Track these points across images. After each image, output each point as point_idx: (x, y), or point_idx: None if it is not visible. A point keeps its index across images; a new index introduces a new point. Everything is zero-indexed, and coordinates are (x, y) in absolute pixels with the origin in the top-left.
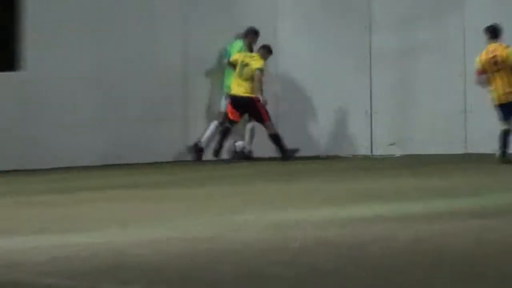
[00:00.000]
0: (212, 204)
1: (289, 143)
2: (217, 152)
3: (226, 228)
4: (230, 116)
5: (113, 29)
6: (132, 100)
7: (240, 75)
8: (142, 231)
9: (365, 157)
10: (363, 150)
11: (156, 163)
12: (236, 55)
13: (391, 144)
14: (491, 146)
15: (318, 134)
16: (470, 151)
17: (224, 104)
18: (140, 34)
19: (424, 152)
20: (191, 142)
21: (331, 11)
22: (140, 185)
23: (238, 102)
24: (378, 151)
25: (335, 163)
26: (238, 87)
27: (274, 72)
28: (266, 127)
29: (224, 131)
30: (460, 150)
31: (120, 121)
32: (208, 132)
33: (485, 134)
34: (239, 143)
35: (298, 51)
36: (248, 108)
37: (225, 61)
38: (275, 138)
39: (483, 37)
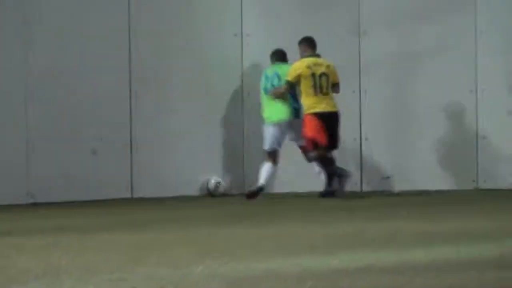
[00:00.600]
0: (158, 254)
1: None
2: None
3: (178, 283)
4: (322, 140)
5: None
6: None
7: (319, 88)
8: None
9: (354, 194)
10: (351, 186)
11: (96, 201)
12: (300, 69)
13: (385, 178)
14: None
15: (295, 166)
16: (483, 186)
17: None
18: None
19: (427, 187)
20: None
21: (309, 8)
22: (76, 229)
23: (329, 121)
24: (370, 187)
25: (317, 201)
26: (321, 104)
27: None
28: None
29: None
30: (470, 185)
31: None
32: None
33: (501, 165)
34: (215, 180)
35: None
36: (337, 126)
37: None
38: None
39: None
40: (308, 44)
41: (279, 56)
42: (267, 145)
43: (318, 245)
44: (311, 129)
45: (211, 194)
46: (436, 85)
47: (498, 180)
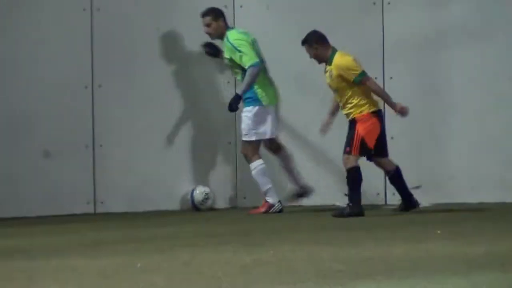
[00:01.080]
0: (128, 283)
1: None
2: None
3: None
4: (370, 144)
5: None
6: None
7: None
8: None
9: (376, 208)
10: (372, 197)
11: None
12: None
13: (415, 188)
14: None
15: (305, 173)
16: None
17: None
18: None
19: (466, 199)
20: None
21: None
22: (24, 252)
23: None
24: (396, 199)
25: (326, 216)
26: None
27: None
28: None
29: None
30: None
31: None
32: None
33: None
34: (201, 191)
35: (274, 41)
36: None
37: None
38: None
39: None
40: (327, 41)
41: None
42: (269, 133)
43: (327, 274)
44: (370, 129)
45: (196, 208)
46: (475, 72)
47: None
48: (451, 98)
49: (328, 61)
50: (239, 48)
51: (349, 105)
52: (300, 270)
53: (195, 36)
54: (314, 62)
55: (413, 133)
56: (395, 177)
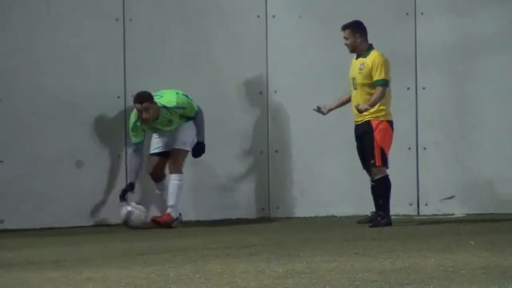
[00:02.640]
0: None
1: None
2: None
3: None
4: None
5: None
6: None
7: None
8: None
9: (408, 219)
10: (404, 207)
11: None
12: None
13: (448, 198)
14: None
15: (327, 185)
16: None
17: None
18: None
19: (498, 210)
20: None
21: None
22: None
23: None
24: (429, 209)
25: (356, 228)
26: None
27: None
28: None
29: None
30: None
31: None
32: None
33: None
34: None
35: (294, 44)
36: None
37: None
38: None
39: None
40: (367, 35)
41: None
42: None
43: (360, 284)
44: (387, 140)
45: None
46: (506, 82)
47: None
48: (482, 108)
49: (363, 54)
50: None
51: None
52: (333, 281)
53: (226, 46)
54: (345, 69)
55: (445, 143)
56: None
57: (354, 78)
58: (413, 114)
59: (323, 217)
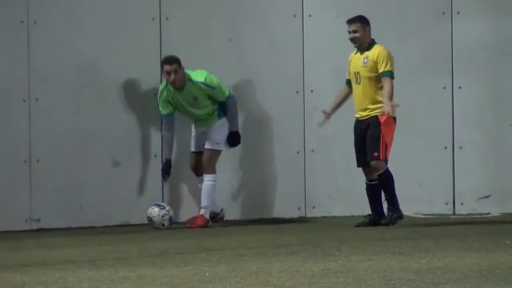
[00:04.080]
0: None
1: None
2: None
3: None
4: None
5: None
6: None
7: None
8: None
9: (444, 218)
10: (441, 207)
11: None
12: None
13: (484, 197)
14: None
15: (353, 185)
16: None
17: None
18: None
19: None
20: None
21: None
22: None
23: None
24: (465, 209)
25: (392, 228)
26: None
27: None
28: None
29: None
30: None
31: None
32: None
33: None
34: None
35: (332, 44)
36: None
37: None
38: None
39: None
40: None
41: None
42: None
43: (396, 283)
44: (392, 136)
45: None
46: None
47: None
48: None
49: (367, 47)
50: None
51: (373, 102)
52: (368, 280)
53: (263, 46)
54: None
55: (482, 142)
56: (374, 187)
57: (357, 73)
58: (449, 114)
59: (359, 216)
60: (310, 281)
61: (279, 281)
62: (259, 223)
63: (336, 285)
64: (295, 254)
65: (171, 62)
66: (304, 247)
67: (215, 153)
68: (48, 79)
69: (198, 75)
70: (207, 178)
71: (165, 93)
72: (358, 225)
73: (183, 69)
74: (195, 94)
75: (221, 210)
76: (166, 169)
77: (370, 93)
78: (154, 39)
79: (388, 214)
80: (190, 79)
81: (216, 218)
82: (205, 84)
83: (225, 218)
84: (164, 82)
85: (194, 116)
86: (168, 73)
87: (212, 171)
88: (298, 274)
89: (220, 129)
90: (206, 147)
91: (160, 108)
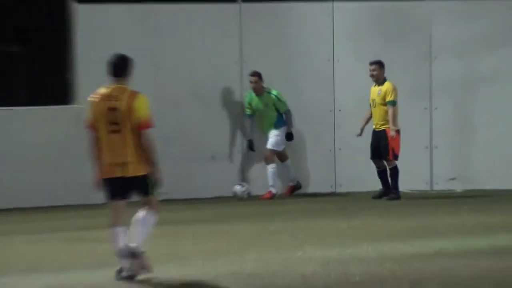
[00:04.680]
0: (262, 241)
1: (344, 177)
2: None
3: (283, 264)
4: (397, 152)
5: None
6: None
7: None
8: (202, 267)
9: (424, 193)
10: (422, 185)
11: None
12: None
13: (451, 179)
14: None
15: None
16: None
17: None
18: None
19: (486, 187)
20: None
21: (389, 37)
22: (187, 221)
23: None
24: (439, 187)
25: (392, 201)
26: None
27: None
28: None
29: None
30: None
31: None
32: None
33: None
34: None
35: (353, 79)
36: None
37: None
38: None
39: None
40: None
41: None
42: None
43: (395, 235)
44: (398, 143)
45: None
46: (493, 107)
47: None
48: (477, 120)
49: (381, 82)
50: None
51: (383, 120)
52: (379, 232)
53: (309, 80)
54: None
55: (451, 143)
56: (383, 172)
57: (374, 100)
58: (428, 125)
59: (373, 191)
60: (340, 234)
61: (319, 233)
62: (304, 196)
63: (357, 236)
64: (329, 216)
65: (254, 74)
66: (335, 211)
67: (273, 151)
68: None
69: (274, 91)
70: (270, 166)
71: (247, 98)
72: (374, 197)
73: (262, 82)
74: (267, 102)
75: (297, 182)
76: (250, 147)
77: (382, 114)
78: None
79: (391, 194)
80: (268, 92)
81: (295, 188)
82: (276, 97)
83: (279, 193)
84: (249, 91)
85: (261, 119)
86: (251, 82)
87: (272, 161)
88: (331, 228)
89: (277, 137)
90: (267, 147)
91: (246, 109)
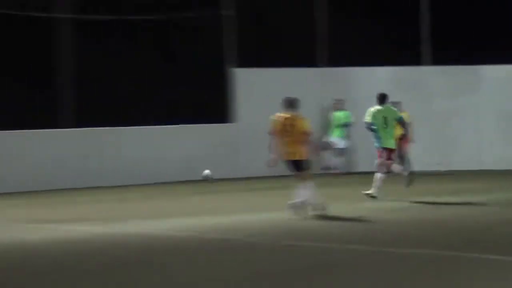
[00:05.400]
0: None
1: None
2: None
3: None
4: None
5: None
6: None
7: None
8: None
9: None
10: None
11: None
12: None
13: (438, 164)
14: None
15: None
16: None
17: None
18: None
19: (461, 168)
20: None
21: None
22: None
23: None
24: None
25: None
26: None
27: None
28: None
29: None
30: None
31: None
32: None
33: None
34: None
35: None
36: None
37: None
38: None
39: None
40: None
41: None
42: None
43: (386, 208)
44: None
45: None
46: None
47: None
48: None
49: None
50: None
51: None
52: (389, 203)
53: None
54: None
55: (435, 136)
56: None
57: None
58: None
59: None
60: (360, 200)
61: (346, 198)
62: (332, 175)
63: (373, 202)
64: (351, 186)
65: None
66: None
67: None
68: None
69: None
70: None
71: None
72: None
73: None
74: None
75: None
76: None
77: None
78: None
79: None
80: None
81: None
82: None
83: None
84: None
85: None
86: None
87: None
88: (354, 195)
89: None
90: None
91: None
